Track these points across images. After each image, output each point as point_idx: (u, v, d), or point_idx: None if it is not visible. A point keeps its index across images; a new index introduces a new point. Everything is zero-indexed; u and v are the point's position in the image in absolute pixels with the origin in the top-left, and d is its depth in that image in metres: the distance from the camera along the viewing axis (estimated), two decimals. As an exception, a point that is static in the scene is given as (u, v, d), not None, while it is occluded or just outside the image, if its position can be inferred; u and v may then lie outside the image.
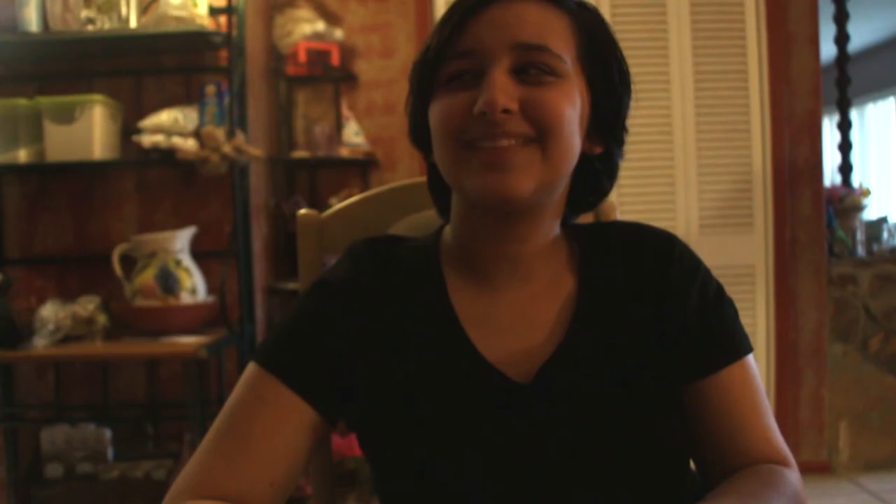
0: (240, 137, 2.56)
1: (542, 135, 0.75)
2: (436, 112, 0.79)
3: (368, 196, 1.11)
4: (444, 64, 0.78)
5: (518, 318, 0.81)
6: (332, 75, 3.18)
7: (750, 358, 0.82)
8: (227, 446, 0.77)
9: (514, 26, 0.76)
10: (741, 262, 3.17)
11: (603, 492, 0.75)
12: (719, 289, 0.84)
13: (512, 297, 0.82)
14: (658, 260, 0.83)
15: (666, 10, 3.17)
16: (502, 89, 0.74)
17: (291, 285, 2.95)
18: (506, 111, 0.74)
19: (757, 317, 3.14)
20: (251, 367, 0.81)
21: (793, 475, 0.78)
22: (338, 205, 1.10)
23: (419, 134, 0.85)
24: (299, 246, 1.07)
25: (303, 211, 1.08)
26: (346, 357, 0.80)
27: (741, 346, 0.82)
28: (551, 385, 0.77)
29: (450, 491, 0.75)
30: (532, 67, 0.76)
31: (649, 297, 0.82)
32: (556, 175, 0.78)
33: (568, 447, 0.75)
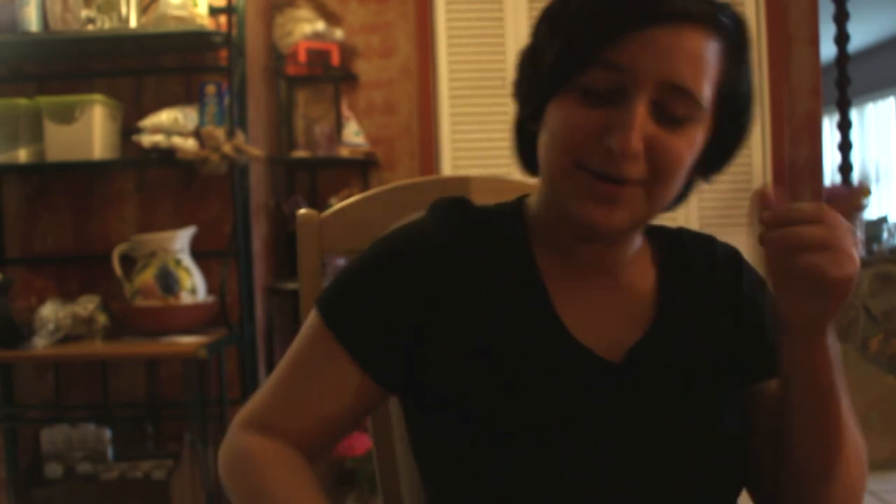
0: (240, 137, 2.56)
1: (655, 180, 0.74)
2: (560, 117, 0.76)
3: (369, 196, 1.10)
4: (588, 67, 0.73)
5: (605, 301, 0.81)
6: (332, 75, 3.18)
7: None
8: (285, 391, 0.81)
9: (671, 58, 0.72)
10: (741, 262, 3.16)
11: (676, 477, 0.76)
12: None
13: (599, 282, 0.82)
14: (731, 267, 0.86)
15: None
16: (640, 129, 0.71)
17: (291, 285, 2.95)
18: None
19: (757, 317, 3.14)
20: (314, 314, 0.81)
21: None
22: (338, 204, 1.10)
23: (527, 115, 0.83)
24: (299, 246, 1.07)
25: (303, 211, 1.08)
26: (416, 321, 0.78)
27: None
28: (640, 367, 0.78)
29: (528, 467, 0.73)
30: (670, 109, 0.73)
31: (725, 299, 0.84)
32: (654, 213, 0.78)
33: (650, 429, 0.76)
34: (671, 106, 0.72)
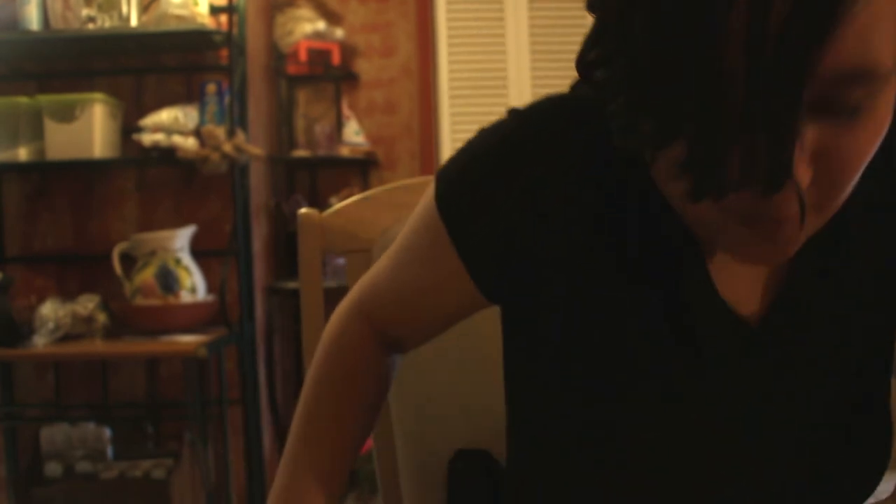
0: (240, 136, 2.56)
1: (829, 192, 0.52)
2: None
3: (369, 195, 1.10)
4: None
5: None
6: (332, 74, 3.18)
7: None
8: (389, 274, 0.75)
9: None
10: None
11: (815, 446, 0.65)
12: None
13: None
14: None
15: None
16: (805, 169, 0.49)
17: (291, 285, 2.95)
18: None
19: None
20: (429, 193, 0.69)
21: None
22: (338, 204, 1.09)
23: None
24: (300, 246, 1.06)
25: (303, 210, 1.07)
26: (538, 234, 0.63)
27: None
28: (780, 327, 0.64)
29: (630, 424, 0.63)
30: (842, 99, 0.48)
31: (876, 252, 0.66)
32: (824, 221, 0.56)
33: (788, 394, 0.64)
34: (843, 96, 0.48)
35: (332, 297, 1.31)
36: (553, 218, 0.63)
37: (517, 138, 0.65)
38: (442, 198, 0.67)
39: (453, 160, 0.68)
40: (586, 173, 0.63)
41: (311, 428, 0.74)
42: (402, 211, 1.06)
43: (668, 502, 0.64)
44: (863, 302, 0.66)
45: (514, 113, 0.68)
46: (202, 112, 2.60)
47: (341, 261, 2.40)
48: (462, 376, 1.04)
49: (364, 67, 3.23)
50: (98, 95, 2.52)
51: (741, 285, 0.63)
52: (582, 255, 0.63)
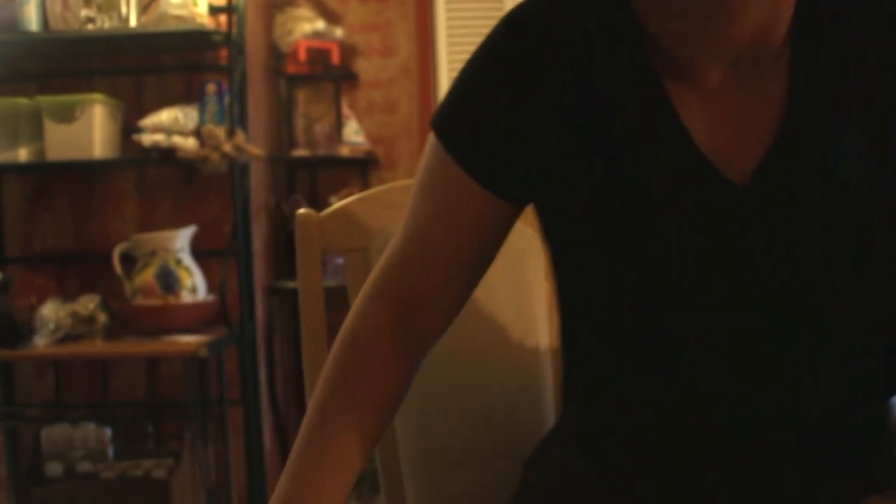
0: (240, 136, 2.56)
1: None
2: None
3: (368, 195, 1.10)
4: None
5: (728, 109, 0.65)
6: (332, 74, 3.18)
7: None
8: (408, 223, 0.75)
9: None
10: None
11: (815, 308, 0.63)
12: None
13: (718, 83, 0.65)
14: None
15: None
16: None
17: (291, 284, 2.95)
18: None
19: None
20: (431, 135, 0.73)
21: None
22: (337, 204, 1.10)
23: None
24: (298, 246, 1.06)
25: (302, 210, 1.07)
26: (539, 124, 0.67)
27: None
28: (766, 186, 0.63)
29: (642, 292, 0.65)
30: None
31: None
32: None
33: (781, 254, 0.63)
34: None
35: (332, 296, 1.32)
36: (544, 103, 0.67)
37: (498, 46, 0.70)
38: (436, 122, 0.72)
39: (446, 98, 0.73)
40: (567, 55, 0.67)
41: (319, 430, 0.71)
42: (400, 210, 1.05)
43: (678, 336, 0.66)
44: (847, 161, 0.63)
45: (493, 29, 0.71)
46: (202, 112, 2.60)
47: (341, 261, 2.40)
48: (461, 374, 1.05)
49: (364, 67, 3.23)
50: (98, 96, 2.52)
51: (727, 148, 0.64)
52: (574, 131, 0.67)
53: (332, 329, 1.14)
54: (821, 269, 0.63)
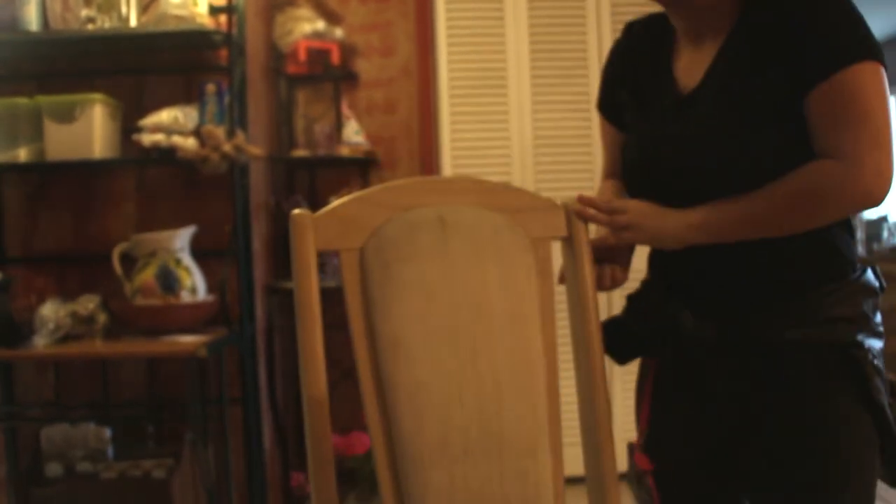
0: (240, 136, 2.56)
1: None
2: None
3: (362, 195, 1.12)
4: None
5: (692, 57, 1.21)
6: (332, 74, 3.18)
7: (860, 67, 1.06)
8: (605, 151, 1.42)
9: None
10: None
11: (726, 166, 1.12)
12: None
13: (707, 43, 1.20)
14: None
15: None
16: None
17: (291, 284, 2.94)
18: None
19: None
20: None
21: (836, 168, 1.07)
22: (331, 204, 1.11)
23: None
24: (292, 246, 1.10)
25: (296, 210, 1.09)
26: (623, 82, 1.32)
27: (837, 58, 1.07)
28: (698, 95, 1.17)
29: (638, 148, 1.25)
30: None
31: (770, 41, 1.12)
32: None
33: (709, 130, 1.14)
34: None
35: (331, 296, 1.32)
36: (623, 70, 1.33)
37: (619, 38, 1.37)
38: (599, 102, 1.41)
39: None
40: (643, 41, 1.31)
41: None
42: (394, 210, 1.11)
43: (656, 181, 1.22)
44: (762, 74, 1.12)
45: None
46: (202, 112, 2.60)
47: (336, 260, 2.39)
48: (450, 364, 1.07)
49: (363, 67, 3.23)
50: (98, 96, 2.52)
51: (691, 72, 1.21)
52: (636, 74, 1.29)
53: (329, 328, 1.15)
54: (714, 124, 1.14)
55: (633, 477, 1.81)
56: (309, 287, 1.11)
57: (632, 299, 1.28)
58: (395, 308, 1.07)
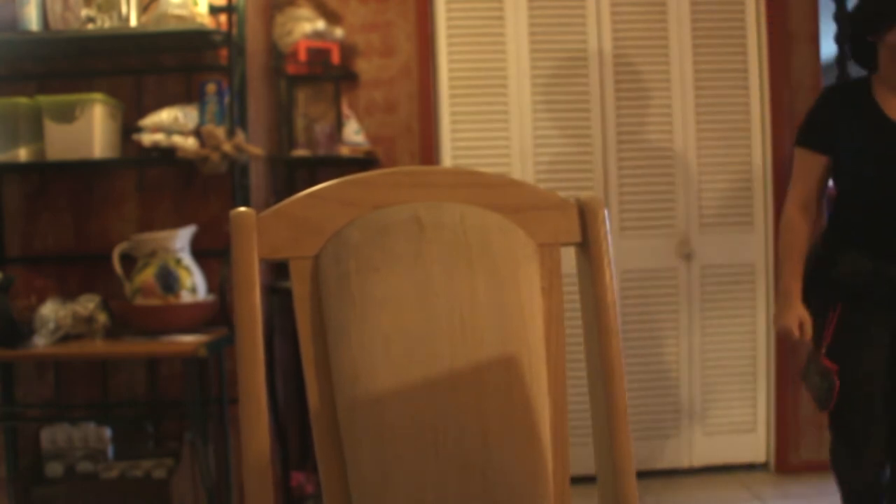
0: (240, 136, 2.56)
1: None
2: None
3: (316, 191, 0.93)
4: None
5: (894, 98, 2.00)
6: (332, 74, 3.18)
7: None
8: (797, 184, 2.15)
9: None
10: (741, 260, 3.16)
11: None
12: None
13: (889, 88, 2.02)
14: None
15: (666, 9, 3.16)
16: None
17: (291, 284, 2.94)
18: None
19: (757, 315, 3.13)
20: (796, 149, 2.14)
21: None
22: (279, 203, 0.94)
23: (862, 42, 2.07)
24: (232, 250, 0.90)
25: (237, 210, 0.91)
26: (836, 125, 2.02)
27: None
28: None
29: (860, 176, 2.03)
30: None
31: None
32: None
33: None
34: None
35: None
36: (836, 114, 2.06)
37: (824, 92, 2.17)
38: (798, 136, 2.15)
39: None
40: (844, 97, 2.07)
41: (791, 242, 2.13)
42: (354, 209, 0.88)
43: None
44: None
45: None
46: (202, 112, 2.60)
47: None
48: (423, 404, 0.91)
49: (364, 67, 3.23)
50: (98, 96, 2.52)
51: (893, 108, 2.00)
52: (846, 121, 2.03)
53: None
54: None
55: (808, 373, 2.21)
56: (251, 307, 0.85)
57: (830, 258, 2.04)
58: (354, 332, 0.87)
